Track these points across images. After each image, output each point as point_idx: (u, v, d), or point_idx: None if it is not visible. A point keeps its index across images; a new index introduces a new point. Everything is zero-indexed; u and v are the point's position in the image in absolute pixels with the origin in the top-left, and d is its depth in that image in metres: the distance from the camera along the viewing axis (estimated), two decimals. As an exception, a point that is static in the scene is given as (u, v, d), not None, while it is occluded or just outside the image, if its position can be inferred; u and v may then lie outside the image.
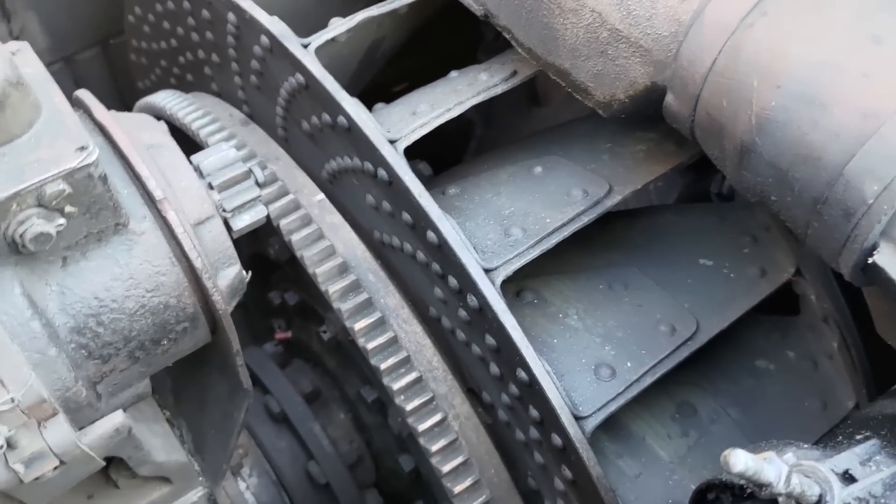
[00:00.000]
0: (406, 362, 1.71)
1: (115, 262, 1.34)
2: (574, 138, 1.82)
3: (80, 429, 1.51)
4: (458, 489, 1.69)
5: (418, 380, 1.70)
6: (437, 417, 1.70)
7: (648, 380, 1.57)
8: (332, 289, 1.73)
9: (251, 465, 2.28)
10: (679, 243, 1.84)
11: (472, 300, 1.54)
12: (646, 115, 1.58)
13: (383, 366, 1.69)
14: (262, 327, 2.78)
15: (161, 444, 1.81)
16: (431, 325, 1.77)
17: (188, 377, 1.96)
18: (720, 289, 1.74)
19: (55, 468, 1.45)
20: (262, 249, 2.40)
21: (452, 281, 1.58)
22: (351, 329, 1.71)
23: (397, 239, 1.73)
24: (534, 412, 1.55)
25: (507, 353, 1.53)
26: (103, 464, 1.57)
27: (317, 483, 2.31)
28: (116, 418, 1.53)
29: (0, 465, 1.38)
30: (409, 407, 1.69)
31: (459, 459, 1.70)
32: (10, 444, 1.32)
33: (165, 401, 2.01)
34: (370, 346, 1.70)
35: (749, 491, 1.08)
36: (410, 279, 1.76)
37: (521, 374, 1.52)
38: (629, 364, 1.58)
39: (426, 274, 1.68)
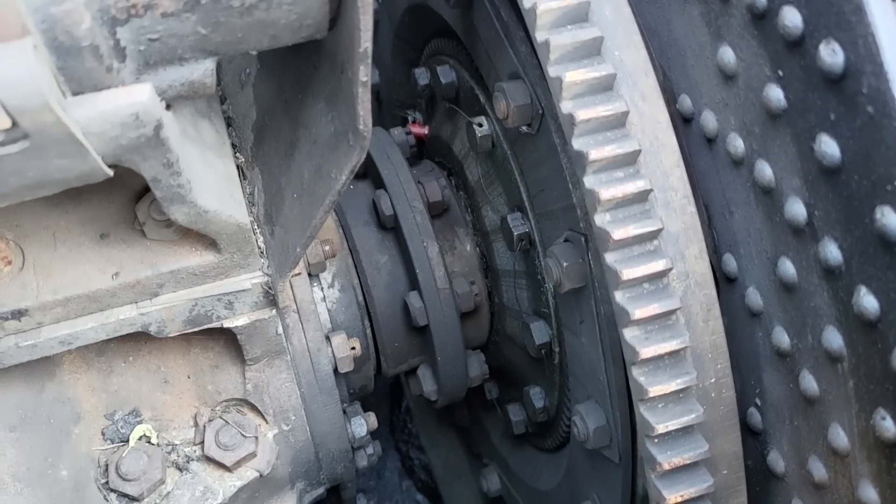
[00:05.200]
0: (630, 161, 0.94)
1: None
2: None
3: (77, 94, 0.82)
4: (655, 390, 0.95)
5: (643, 195, 0.94)
6: (655, 265, 0.94)
7: None
8: (543, 6, 0.95)
9: (335, 273, 1.58)
10: None
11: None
12: None
13: (593, 153, 0.93)
14: (390, 118, 2.05)
15: (214, 185, 1.10)
16: (683, 126, 1.00)
17: (282, 108, 1.24)
18: None
19: (6, 135, 0.76)
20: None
21: None
22: (556, 80, 0.93)
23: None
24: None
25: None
26: (107, 171, 0.88)
27: (413, 322, 1.60)
28: (141, 94, 0.82)
29: None
30: (617, 234, 0.93)
31: (672, 344, 0.94)
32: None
33: (243, 139, 1.31)
34: (581, 114, 0.92)
35: None
36: (678, 26, 0.96)
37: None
38: None
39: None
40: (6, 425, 1.26)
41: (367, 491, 2.42)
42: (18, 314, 1.12)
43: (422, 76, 1.76)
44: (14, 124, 0.72)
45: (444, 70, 1.66)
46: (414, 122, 1.89)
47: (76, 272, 1.14)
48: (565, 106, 0.93)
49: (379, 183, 1.64)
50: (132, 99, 0.80)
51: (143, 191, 1.17)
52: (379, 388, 2.74)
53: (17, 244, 1.14)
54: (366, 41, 0.86)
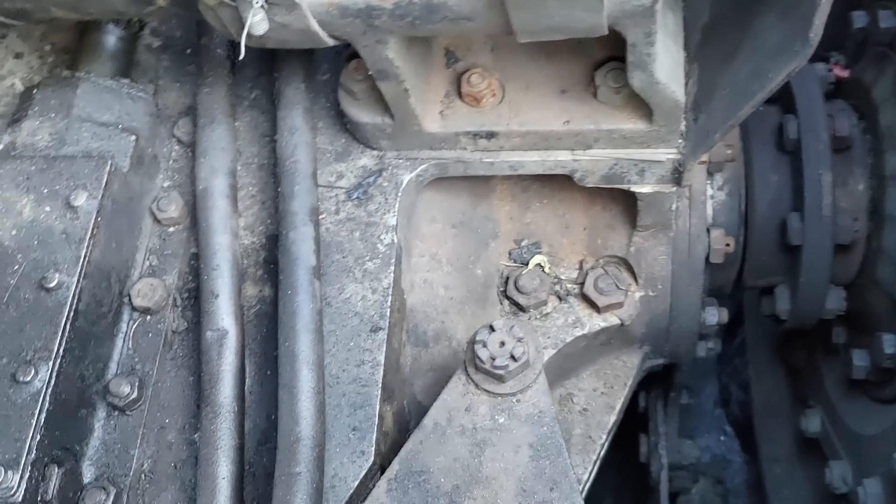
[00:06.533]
0: None
1: None
2: None
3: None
4: None
5: None
6: None
7: None
8: None
9: (727, 179, 1.76)
10: None
11: None
12: None
13: None
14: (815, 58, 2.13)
15: (667, 64, 1.35)
16: None
17: (733, 17, 1.44)
18: None
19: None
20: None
21: None
22: None
23: None
24: None
25: None
26: (605, 29, 1.16)
27: (786, 240, 1.74)
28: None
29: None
30: None
31: None
32: None
33: (690, 37, 1.53)
34: None
35: None
36: None
37: None
38: None
39: None
40: (451, 222, 1.65)
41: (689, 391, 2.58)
42: (490, 135, 1.46)
43: (859, 19, 1.83)
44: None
45: (886, 14, 1.73)
46: (836, 63, 1.97)
47: (537, 114, 1.45)
48: None
49: (789, 109, 1.78)
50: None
51: (602, 62, 1.44)
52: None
53: (501, 83, 1.48)
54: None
